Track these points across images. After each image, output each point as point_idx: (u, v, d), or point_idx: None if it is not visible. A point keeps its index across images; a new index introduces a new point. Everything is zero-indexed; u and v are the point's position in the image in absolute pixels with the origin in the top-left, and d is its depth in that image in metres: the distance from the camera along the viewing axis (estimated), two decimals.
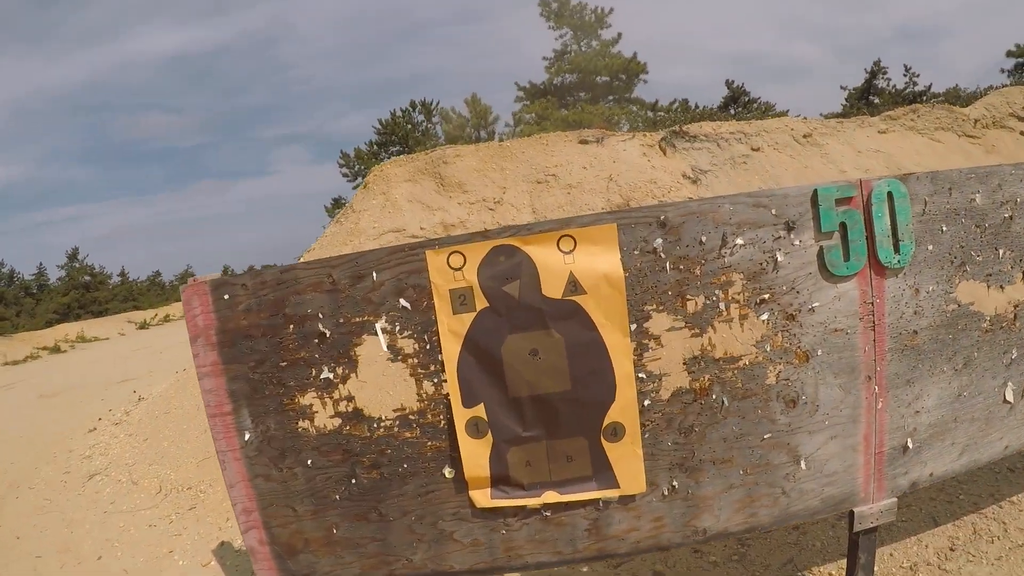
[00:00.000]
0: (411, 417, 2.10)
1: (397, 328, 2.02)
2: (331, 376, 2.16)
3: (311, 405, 2.21)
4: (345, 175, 23.57)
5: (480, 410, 1.98)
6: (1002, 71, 23.63)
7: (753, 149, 6.73)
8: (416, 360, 2.03)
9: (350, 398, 2.16)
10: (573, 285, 1.89)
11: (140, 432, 7.31)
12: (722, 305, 2.04)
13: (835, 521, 3.21)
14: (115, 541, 4.85)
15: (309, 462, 2.24)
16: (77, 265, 35.78)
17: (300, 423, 2.24)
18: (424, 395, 2.06)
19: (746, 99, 23.88)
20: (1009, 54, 23.02)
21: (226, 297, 2.18)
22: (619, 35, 22.35)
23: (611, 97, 21.81)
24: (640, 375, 2.01)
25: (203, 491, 5.47)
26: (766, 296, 2.09)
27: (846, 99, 22.91)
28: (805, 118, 8.04)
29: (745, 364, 2.12)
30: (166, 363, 13.66)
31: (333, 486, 2.24)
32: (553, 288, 1.90)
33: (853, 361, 2.27)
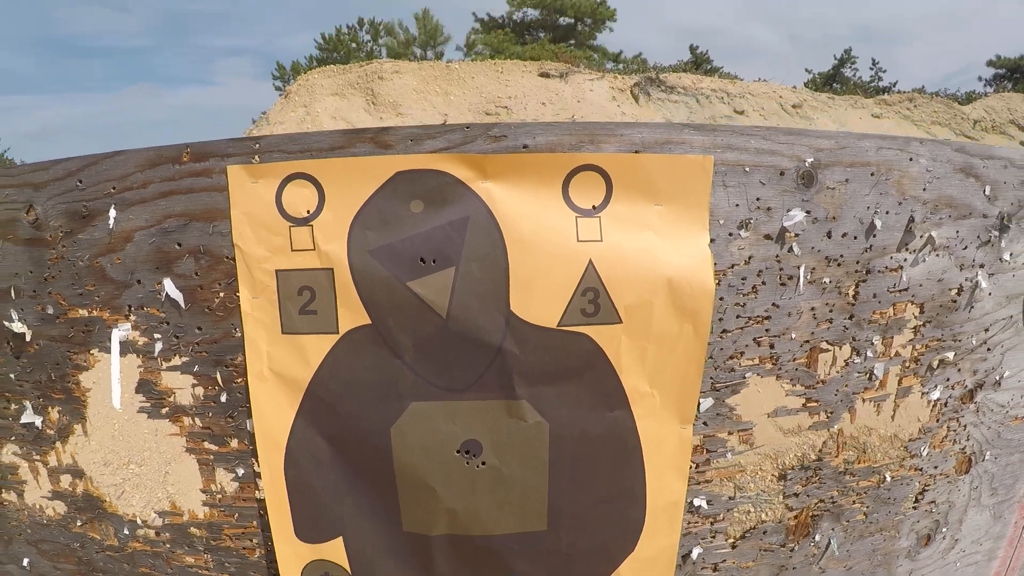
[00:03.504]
0: (194, 531, 0.92)
1: (158, 347, 0.81)
2: (38, 422, 0.95)
3: (15, 467, 1.02)
4: (278, 88, 21.17)
5: (336, 551, 0.81)
6: (979, 79, 23.88)
7: (737, 111, 5.68)
8: (199, 422, 0.84)
9: (76, 471, 0.97)
10: (591, 297, 0.72)
11: None
12: (878, 367, 0.92)
13: None
14: None
15: (26, 562, 1.07)
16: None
17: (4, 494, 1.05)
18: (218, 496, 0.88)
19: (708, 66, 22.57)
20: (990, 63, 23.22)
21: None
22: None
23: (572, 41, 20.09)
24: (697, 502, 0.88)
25: None
26: (949, 355, 0.99)
27: (808, 83, 22.15)
28: (794, 87, 7.08)
29: (883, 479, 1.02)
30: None
31: None
32: (541, 300, 0.72)
33: (1019, 469, 1.23)
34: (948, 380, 1.02)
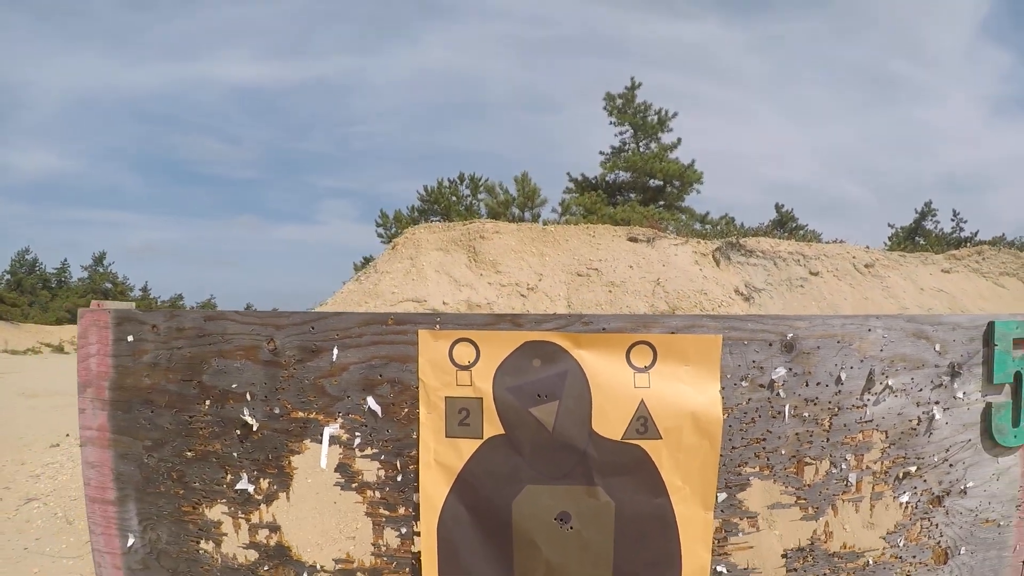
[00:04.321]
0: None
1: (357, 440, 1.26)
2: (250, 489, 1.40)
3: (219, 523, 1.45)
4: (380, 236, 22.16)
5: None
6: None
7: (812, 273, 6.08)
8: (379, 494, 1.27)
9: (273, 527, 1.39)
10: (643, 422, 1.15)
11: None
12: (852, 476, 1.29)
13: None
14: None
15: None
16: (101, 270, 34.83)
17: (202, 543, 1.47)
18: (383, 548, 1.29)
19: (793, 224, 22.98)
20: None
21: (130, 339, 1.44)
22: (679, 140, 20.94)
23: (661, 202, 20.82)
24: (719, 568, 1.25)
25: None
26: (912, 468, 1.35)
27: (890, 237, 22.19)
28: (867, 247, 7.42)
29: (867, 563, 1.36)
30: None
31: None
32: (611, 422, 1.15)
33: (999, 564, 1.52)
34: (915, 488, 1.37)
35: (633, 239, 5.89)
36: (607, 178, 21.34)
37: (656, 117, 21.31)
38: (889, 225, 23.30)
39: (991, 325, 1.40)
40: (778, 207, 23.43)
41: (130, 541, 1.50)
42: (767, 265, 6.05)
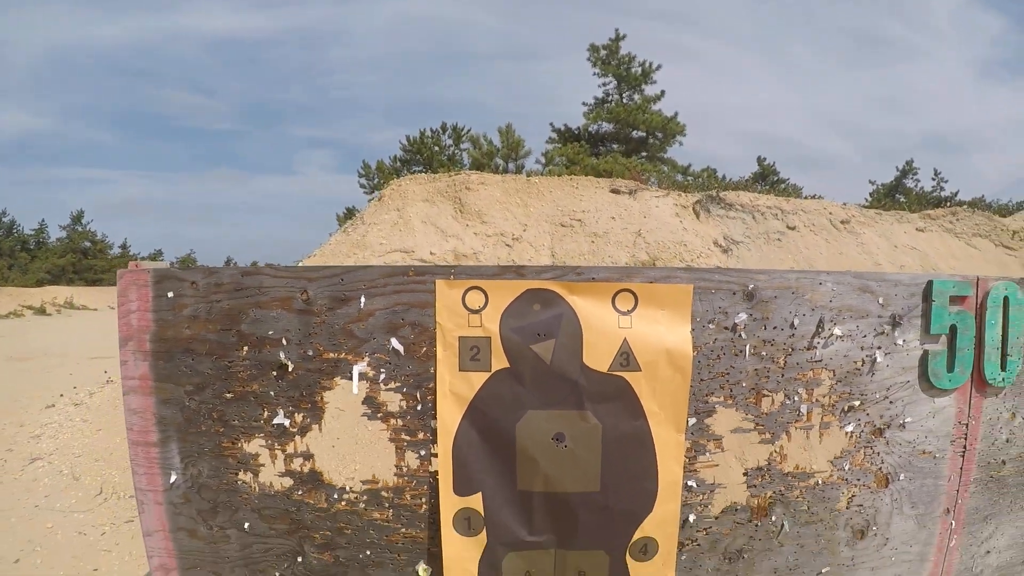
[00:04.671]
0: (384, 494, 1.56)
1: (382, 376, 1.49)
2: (286, 423, 1.62)
3: (257, 455, 1.67)
4: (363, 186, 22.46)
5: (476, 501, 1.44)
6: None
7: (789, 227, 6.33)
8: (401, 422, 1.50)
9: (307, 455, 1.62)
10: (625, 357, 1.37)
11: (96, 420, 6.80)
12: (803, 408, 1.53)
13: None
14: (38, 545, 4.21)
15: (247, 525, 1.69)
16: (80, 229, 34.61)
17: (240, 475, 1.69)
18: (405, 469, 1.52)
19: (775, 178, 23.46)
20: None
21: (170, 295, 1.64)
22: (662, 92, 21.37)
23: (644, 153, 21.05)
24: (689, 483, 1.49)
25: None
26: (856, 403, 1.59)
27: (871, 194, 22.69)
28: (844, 204, 7.65)
29: (817, 483, 1.60)
30: None
31: (274, 561, 1.68)
32: (599, 357, 1.38)
33: (935, 490, 1.78)
34: (859, 420, 1.62)
35: (615, 191, 6.10)
36: (590, 129, 21.59)
37: (640, 69, 21.54)
38: (870, 182, 23.75)
39: (930, 283, 1.63)
40: (760, 160, 23.86)
41: (172, 478, 1.72)
42: (746, 218, 6.28)
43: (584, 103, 22.20)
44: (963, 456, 1.79)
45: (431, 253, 5.72)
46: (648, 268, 1.39)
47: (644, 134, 20.90)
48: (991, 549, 1.93)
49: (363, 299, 1.48)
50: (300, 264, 6.86)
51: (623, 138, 20.97)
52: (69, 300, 23.80)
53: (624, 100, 21.48)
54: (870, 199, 20.75)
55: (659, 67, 21.49)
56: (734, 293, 1.42)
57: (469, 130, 22.04)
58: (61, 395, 8.09)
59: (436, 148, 21.79)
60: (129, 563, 4.06)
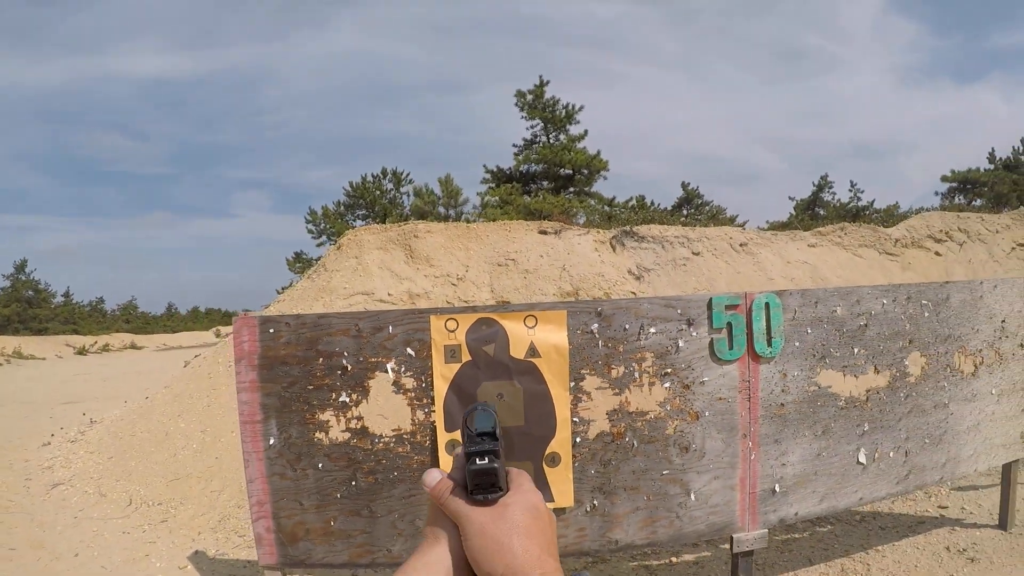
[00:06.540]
0: (404, 436, 2.84)
1: (403, 369, 2.78)
2: (347, 400, 2.89)
3: (328, 421, 2.93)
4: (311, 231, 24.67)
5: (456, 435, 2.74)
6: (936, 194, 25.64)
7: (694, 253, 7.74)
8: (413, 394, 2.79)
9: (359, 418, 2.89)
10: (532, 350, 2.68)
11: (102, 451, 7.53)
12: (637, 374, 2.86)
13: (728, 559, 3.99)
14: (89, 543, 5.10)
15: (320, 465, 2.93)
16: (23, 278, 35.02)
17: (317, 434, 2.95)
18: (416, 420, 2.81)
19: (699, 201, 25.96)
20: (944, 179, 24.94)
21: (271, 331, 2.91)
22: (585, 132, 23.99)
23: (572, 189, 23.13)
24: (574, 419, 2.80)
25: (174, 508, 5.74)
26: (669, 370, 2.92)
27: (793, 209, 24.79)
28: (744, 228, 9.12)
29: (651, 418, 2.93)
30: (112, 391, 13.88)
31: (336, 486, 2.93)
32: (518, 351, 2.69)
33: (733, 422, 3.10)
34: (673, 380, 2.95)
35: (543, 232, 7.43)
36: (520, 168, 23.53)
37: (564, 111, 23.63)
38: (790, 198, 25.81)
39: (711, 299, 2.97)
40: (684, 185, 26.21)
41: (271, 441, 2.96)
42: (656, 248, 7.66)
43: (514, 144, 24.59)
44: (749, 400, 3.11)
45: (388, 294, 6.92)
46: (542, 303, 2.73)
47: (571, 171, 23.15)
48: (786, 463, 3.24)
49: (391, 327, 2.78)
50: (268, 309, 7.88)
51: (552, 176, 23.31)
52: (18, 350, 24.31)
53: (551, 140, 23.61)
54: (792, 214, 22.87)
55: (581, 107, 24.14)
56: (591, 312, 2.76)
57: (408, 174, 24.38)
58: (52, 435, 8.72)
59: (378, 192, 23.71)
60: (173, 549, 4.95)
